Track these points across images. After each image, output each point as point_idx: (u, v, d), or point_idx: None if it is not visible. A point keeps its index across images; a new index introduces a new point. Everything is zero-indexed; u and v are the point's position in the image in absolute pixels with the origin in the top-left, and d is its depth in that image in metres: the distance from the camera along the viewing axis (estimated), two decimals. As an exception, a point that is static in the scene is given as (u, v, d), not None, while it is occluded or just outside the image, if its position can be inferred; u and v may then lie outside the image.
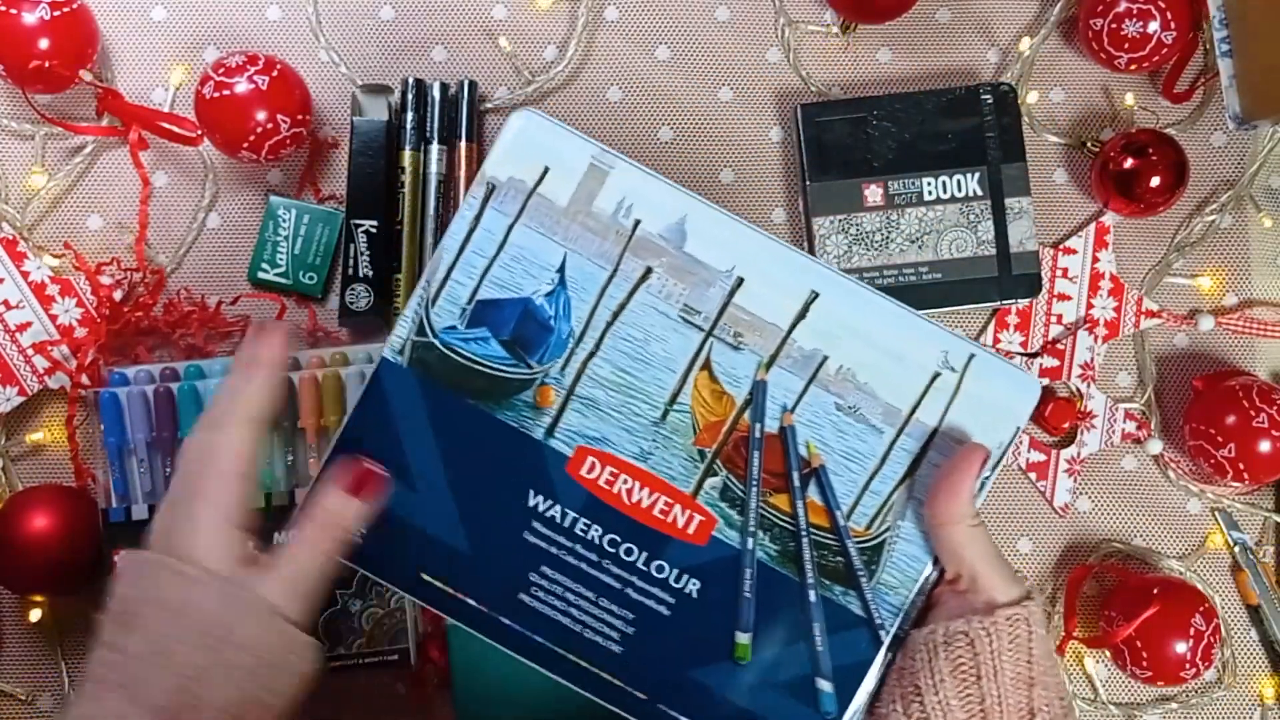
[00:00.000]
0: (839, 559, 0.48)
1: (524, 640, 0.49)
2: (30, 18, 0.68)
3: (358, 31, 0.75)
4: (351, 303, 0.72)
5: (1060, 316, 0.75)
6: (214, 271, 0.74)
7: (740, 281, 0.49)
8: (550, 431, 0.49)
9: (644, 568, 0.49)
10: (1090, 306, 0.75)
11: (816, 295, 0.48)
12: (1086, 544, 0.75)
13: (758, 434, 0.49)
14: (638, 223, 0.49)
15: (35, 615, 0.70)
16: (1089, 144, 0.76)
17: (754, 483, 0.49)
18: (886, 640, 0.48)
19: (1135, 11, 0.71)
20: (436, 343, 0.49)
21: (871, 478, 0.49)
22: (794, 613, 0.48)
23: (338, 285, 0.73)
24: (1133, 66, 0.73)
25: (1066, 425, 0.74)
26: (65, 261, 0.73)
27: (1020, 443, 0.74)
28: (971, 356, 0.49)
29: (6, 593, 0.71)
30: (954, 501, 0.48)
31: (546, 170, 0.49)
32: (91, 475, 0.71)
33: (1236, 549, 0.74)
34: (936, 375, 0.48)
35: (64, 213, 0.74)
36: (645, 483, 0.49)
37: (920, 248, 0.72)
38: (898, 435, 0.48)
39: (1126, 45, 0.72)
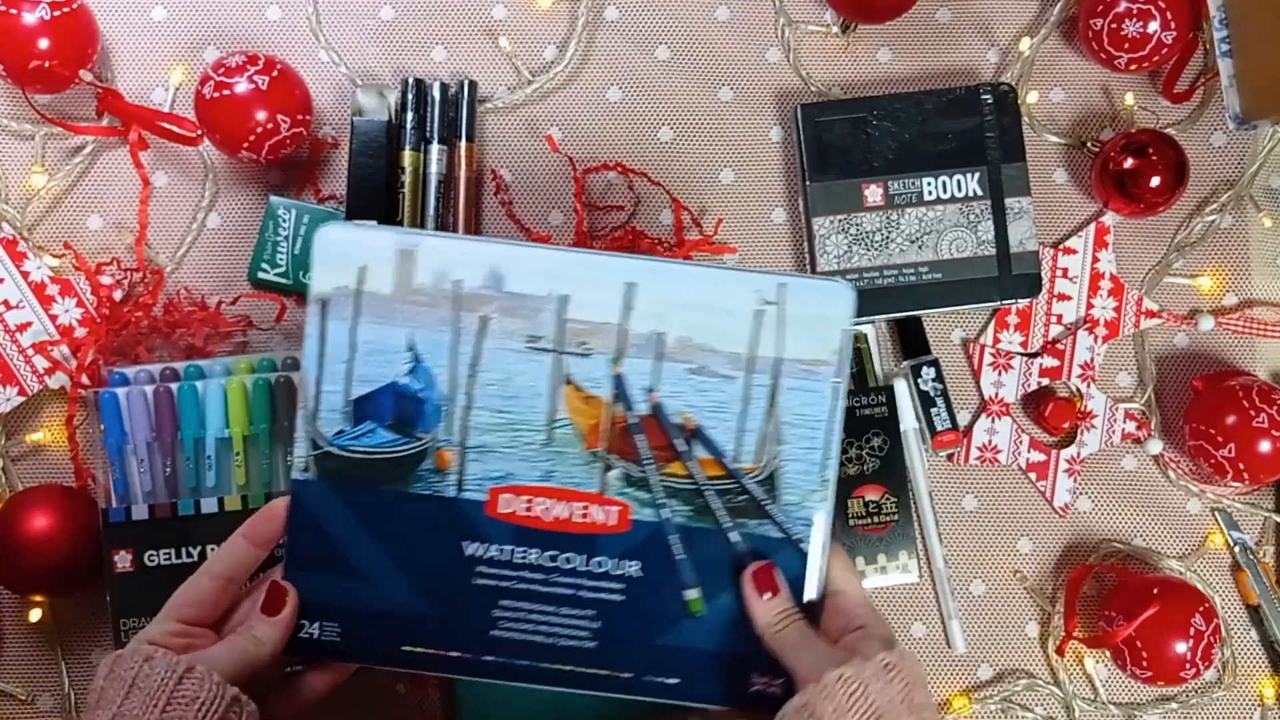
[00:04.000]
0: (743, 497, 0.54)
1: (509, 668, 0.54)
2: (30, 18, 0.68)
3: (358, 31, 0.75)
4: (351, 303, 0.72)
5: (1060, 316, 0.75)
6: (214, 271, 0.74)
7: (565, 299, 0.53)
8: (460, 487, 0.54)
9: (586, 568, 0.54)
10: (1090, 306, 0.75)
11: (633, 285, 0.53)
12: (1086, 544, 0.75)
13: (634, 419, 0.53)
14: (458, 282, 0.53)
15: (35, 615, 0.70)
16: (1089, 144, 0.76)
17: (647, 461, 0.54)
18: (807, 548, 0.53)
19: (1135, 11, 0.71)
20: (333, 449, 0.54)
21: (742, 419, 0.53)
22: (724, 556, 0.54)
23: (338, 285, 0.73)
24: (1133, 66, 0.73)
25: (1066, 425, 0.74)
26: (65, 261, 0.73)
27: (1020, 442, 0.74)
28: (782, 285, 0.53)
29: (6, 593, 0.71)
30: (755, 621, 0.53)
31: (364, 269, 0.53)
32: (91, 475, 0.71)
33: (1236, 549, 0.74)
34: (760, 313, 0.53)
35: (64, 213, 0.74)
36: (557, 497, 0.54)
37: (920, 248, 0.72)
38: (749, 376, 0.53)
39: (1126, 45, 0.72)
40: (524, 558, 0.54)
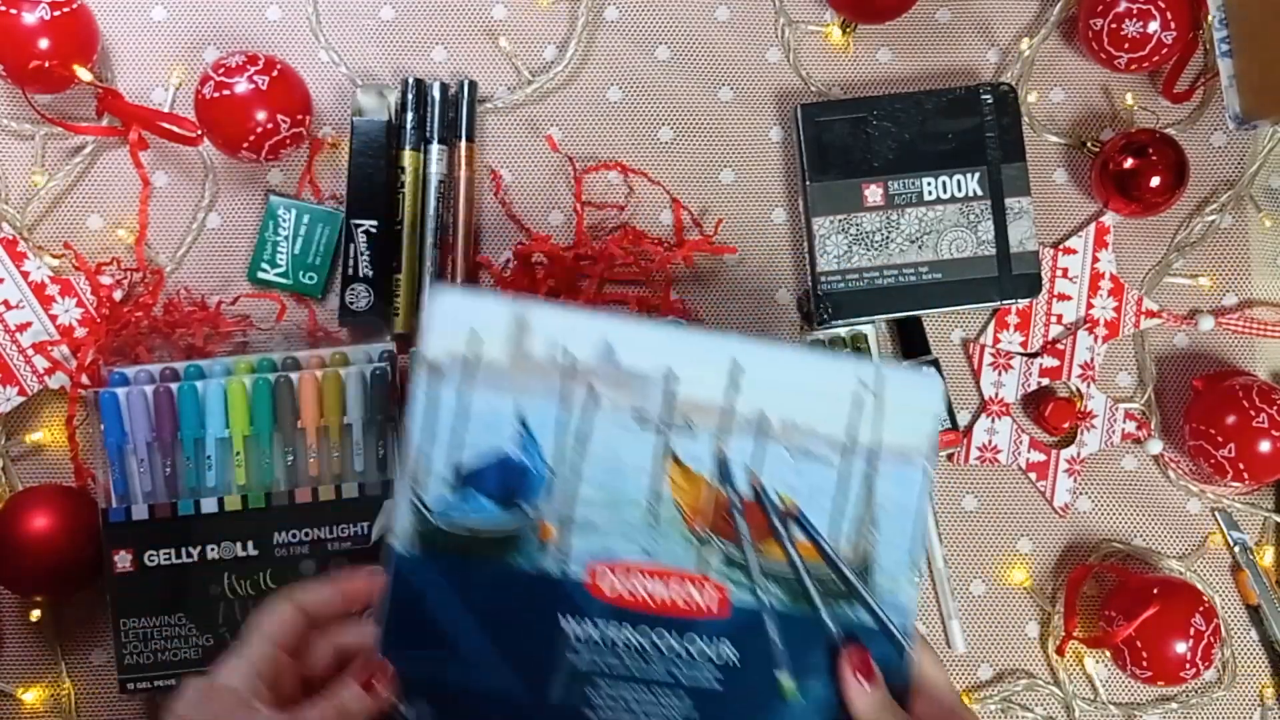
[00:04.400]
0: (839, 583, 0.53)
1: None
2: (30, 18, 0.68)
3: (358, 31, 0.75)
4: (351, 303, 0.72)
5: (1060, 316, 0.75)
6: (214, 271, 0.74)
7: (673, 375, 0.53)
8: (562, 561, 0.53)
9: (683, 653, 0.53)
10: (1090, 306, 0.75)
11: (739, 365, 0.53)
12: (1086, 544, 0.75)
13: (735, 499, 0.53)
14: (571, 354, 0.53)
15: (35, 615, 0.70)
16: (1089, 144, 0.76)
17: (746, 542, 0.53)
18: (898, 634, 0.53)
19: (1135, 11, 0.71)
20: (438, 523, 0.53)
21: (839, 503, 0.53)
22: (819, 643, 0.53)
23: (338, 285, 0.73)
24: (1133, 66, 0.73)
25: (1066, 425, 0.74)
26: (65, 261, 0.73)
27: (1020, 442, 0.74)
28: (880, 373, 0.54)
29: (6, 593, 0.71)
30: (852, 707, 0.53)
31: (478, 336, 0.53)
32: (91, 475, 0.71)
33: (1236, 549, 0.74)
34: (859, 399, 0.53)
35: (64, 213, 0.74)
36: (658, 576, 0.53)
37: (920, 248, 0.72)
38: (847, 461, 0.53)
39: (1126, 45, 0.72)
40: (622, 638, 0.53)
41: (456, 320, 0.53)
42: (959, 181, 0.72)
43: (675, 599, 0.53)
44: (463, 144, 0.73)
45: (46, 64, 0.68)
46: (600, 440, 0.53)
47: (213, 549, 0.67)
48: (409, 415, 0.53)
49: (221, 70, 0.69)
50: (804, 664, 0.53)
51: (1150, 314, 0.75)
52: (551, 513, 0.53)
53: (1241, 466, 0.70)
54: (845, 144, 0.72)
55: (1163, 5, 0.71)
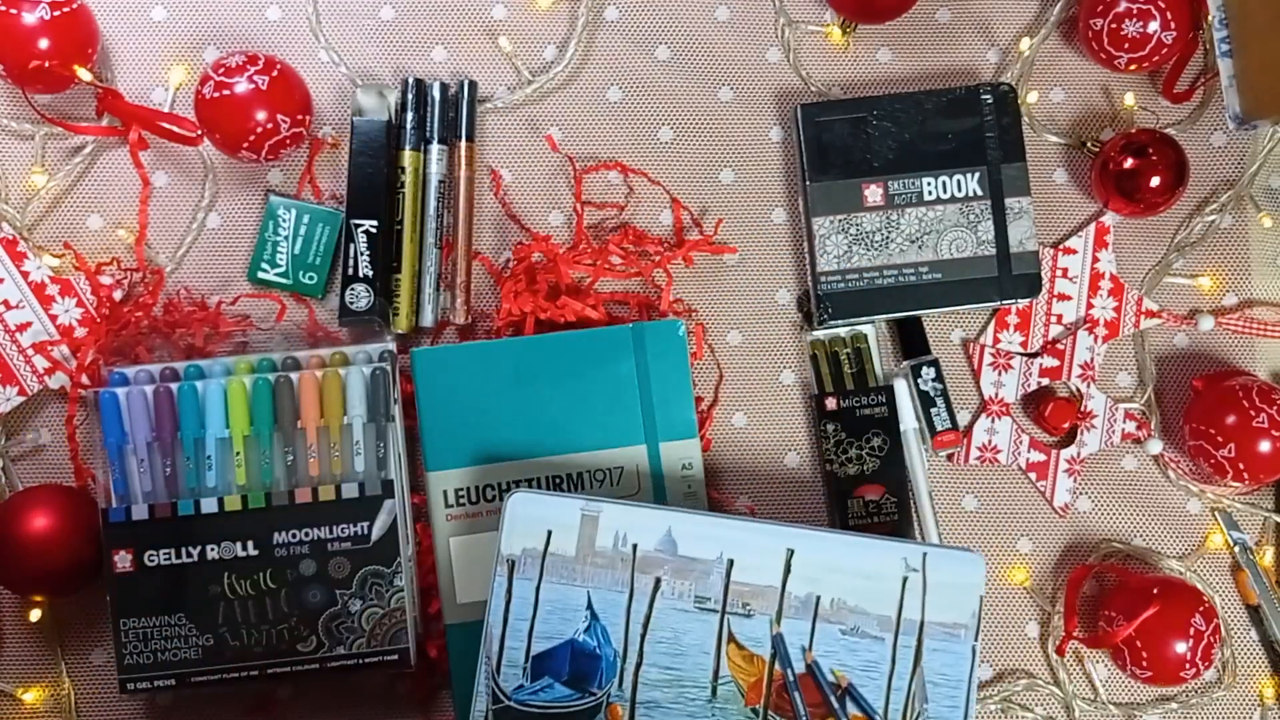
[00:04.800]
0: None
1: None
2: (30, 18, 0.68)
3: (358, 31, 0.75)
4: (351, 302, 0.72)
5: (1060, 316, 0.75)
6: (214, 271, 0.74)
7: (731, 563, 0.58)
8: None
9: None
10: (1090, 306, 0.75)
11: (793, 551, 0.58)
12: (1086, 544, 0.75)
13: (791, 677, 0.57)
14: (635, 546, 0.58)
15: (35, 615, 0.70)
16: (1089, 144, 0.76)
17: (804, 716, 0.57)
18: None
19: (1135, 11, 0.71)
20: (513, 704, 0.57)
21: (890, 677, 0.58)
22: None
23: (338, 285, 0.73)
24: (1133, 66, 0.73)
25: (1066, 425, 0.74)
26: (65, 261, 0.73)
27: (1020, 442, 0.74)
28: (925, 555, 0.59)
29: (6, 593, 0.72)
30: None
31: (550, 533, 0.58)
32: (91, 475, 0.71)
33: (1236, 549, 0.74)
34: (905, 579, 0.58)
35: (64, 213, 0.74)
36: None
37: (920, 248, 0.72)
38: (896, 637, 0.58)
39: (1126, 45, 0.72)
40: None
41: (530, 518, 0.58)
42: (959, 181, 0.72)
43: None
44: (463, 144, 0.73)
45: (46, 64, 0.68)
46: (664, 625, 0.58)
47: (213, 549, 0.67)
48: (489, 607, 0.57)
49: (221, 70, 0.69)
50: None
51: (1150, 314, 0.75)
52: (619, 695, 0.57)
53: (1241, 466, 0.70)
54: (845, 144, 0.72)
55: (1163, 5, 0.71)
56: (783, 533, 0.59)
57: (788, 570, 0.58)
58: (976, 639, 0.58)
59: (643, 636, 0.58)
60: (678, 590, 0.58)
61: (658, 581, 0.58)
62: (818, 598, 0.58)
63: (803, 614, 0.58)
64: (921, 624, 0.58)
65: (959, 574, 0.59)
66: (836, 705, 0.57)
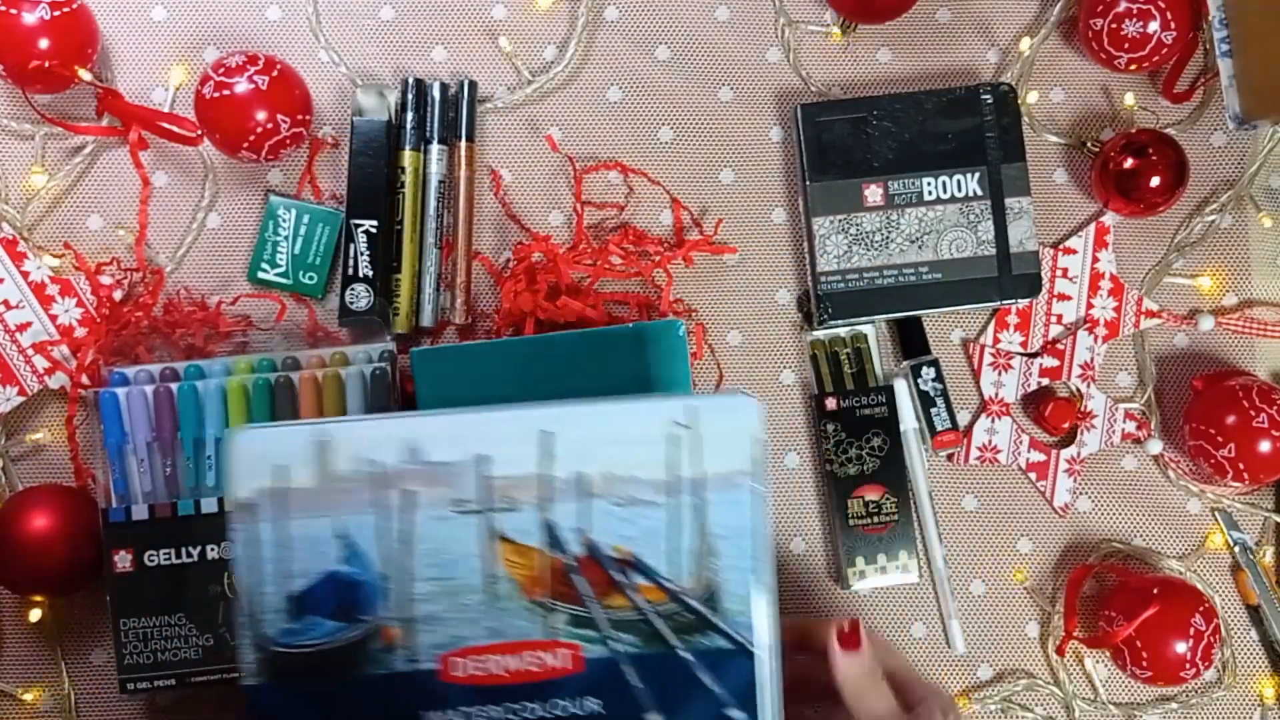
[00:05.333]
0: (688, 615, 0.55)
1: None
2: (30, 18, 0.68)
3: (358, 31, 0.75)
4: (351, 303, 0.72)
5: (1060, 316, 0.75)
6: (214, 271, 0.74)
7: (485, 458, 0.54)
8: (411, 660, 0.54)
9: (548, 714, 0.55)
10: (1090, 306, 0.75)
11: (549, 432, 0.55)
12: (1086, 544, 0.75)
13: (570, 561, 0.55)
14: (377, 463, 0.54)
15: (35, 615, 0.70)
16: (1089, 144, 0.76)
17: (589, 600, 0.55)
18: (757, 650, 0.54)
19: (1135, 11, 0.71)
20: (280, 648, 0.54)
21: (673, 541, 0.55)
22: (679, 675, 0.55)
23: (338, 285, 0.73)
24: (1133, 66, 0.73)
25: (1066, 425, 0.74)
26: (65, 261, 0.73)
27: (1020, 442, 0.74)
28: (692, 407, 0.55)
29: (6, 593, 0.71)
30: (836, 673, 0.56)
31: (283, 467, 0.54)
32: (91, 475, 0.71)
33: (1236, 549, 0.74)
34: (675, 437, 0.55)
35: (64, 213, 0.74)
36: (507, 651, 0.55)
37: (920, 248, 0.72)
38: (674, 499, 0.55)
39: (1126, 45, 0.72)
40: (485, 715, 0.55)
41: (259, 457, 0.54)
42: (959, 181, 0.72)
43: (529, 667, 0.55)
44: (463, 144, 0.73)
45: (46, 64, 0.68)
46: (425, 537, 0.55)
47: (213, 549, 0.67)
48: (233, 558, 0.54)
49: (221, 70, 0.69)
50: (669, 699, 0.55)
51: (1150, 314, 0.75)
52: (391, 617, 0.54)
53: (1241, 466, 0.70)
54: (845, 144, 0.72)
55: (1163, 5, 0.71)
56: (534, 416, 0.55)
57: (547, 453, 0.55)
58: (758, 482, 0.55)
59: (405, 553, 0.55)
60: (433, 499, 0.54)
61: (409, 495, 0.54)
62: (585, 475, 0.55)
63: (572, 495, 0.54)
64: (698, 480, 0.55)
65: (731, 421, 0.55)
66: (623, 580, 0.55)
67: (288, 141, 0.70)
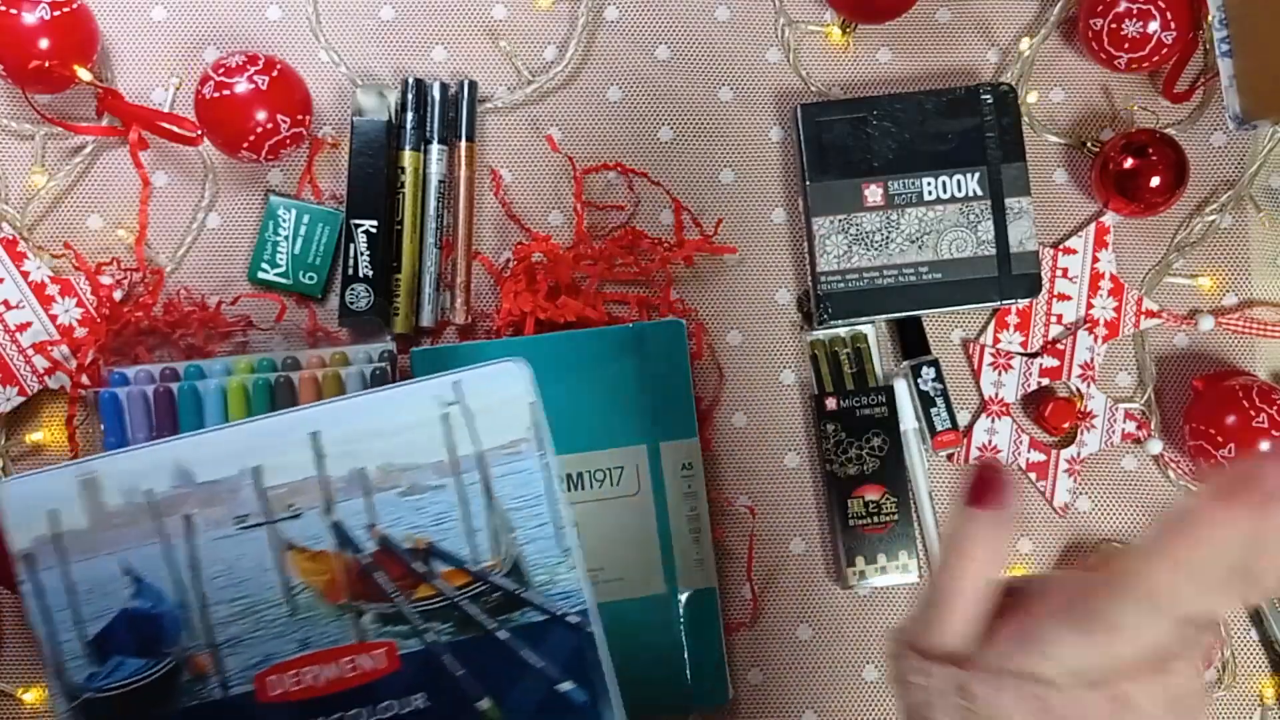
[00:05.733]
0: (497, 594, 0.54)
1: None
2: (30, 18, 0.68)
3: (358, 31, 0.75)
4: (351, 303, 0.72)
5: (1060, 316, 0.75)
6: (214, 271, 0.74)
7: (258, 469, 0.54)
8: (225, 686, 0.53)
9: (375, 718, 0.54)
10: (1090, 306, 0.75)
11: (316, 433, 0.54)
12: (1086, 544, 0.75)
13: (365, 559, 0.54)
14: (149, 492, 0.53)
15: (35, 615, 0.70)
16: (1089, 144, 0.76)
17: (394, 594, 0.54)
18: (576, 619, 0.53)
19: (1135, 11, 0.71)
20: (90, 693, 0.53)
21: (468, 521, 0.54)
22: (500, 656, 0.54)
23: (338, 285, 0.73)
24: (1133, 66, 0.73)
25: (1066, 425, 0.74)
26: (65, 261, 0.73)
27: (1020, 442, 0.74)
28: (456, 383, 0.54)
29: (6, 593, 0.71)
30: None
31: (54, 512, 0.53)
32: (91, 475, 0.71)
33: (1236, 549, 0.74)
34: (445, 415, 0.54)
35: (64, 213, 0.74)
36: (320, 661, 0.54)
37: (920, 248, 0.72)
38: (457, 478, 0.54)
39: (1126, 45, 0.72)
40: None
41: (29, 506, 0.53)
42: (959, 181, 0.72)
43: (345, 674, 0.53)
44: (463, 144, 0.73)
45: (46, 64, 0.68)
46: (213, 559, 0.54)
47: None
48: (26, 611, 0.53)
49: (221, 70, 0.69)
50: (496, 681, 0.54)
51: (1150, 314, 0.75)
52: (196, 645, 0.53)
53: (1241, 466, 0.69)
54: (845, 144, 0.72)
55: (1163, 5, 0.71)
56: (299, 419, 0.55)
57: (320, 454, 0.54)
58: (542, 449, 0.54)
59: (195, 579, 0.54)
60: (213, 519, 0.54)
61: (188, 519, 0.54)
62: (362, 469, 0.54)
63: (353, 492, 0.54)
64: (479, 455, 0.54)
65: (501, 390, 0.54)
66: (424, 569, 0.54)
67: (288, 141, 0.70)
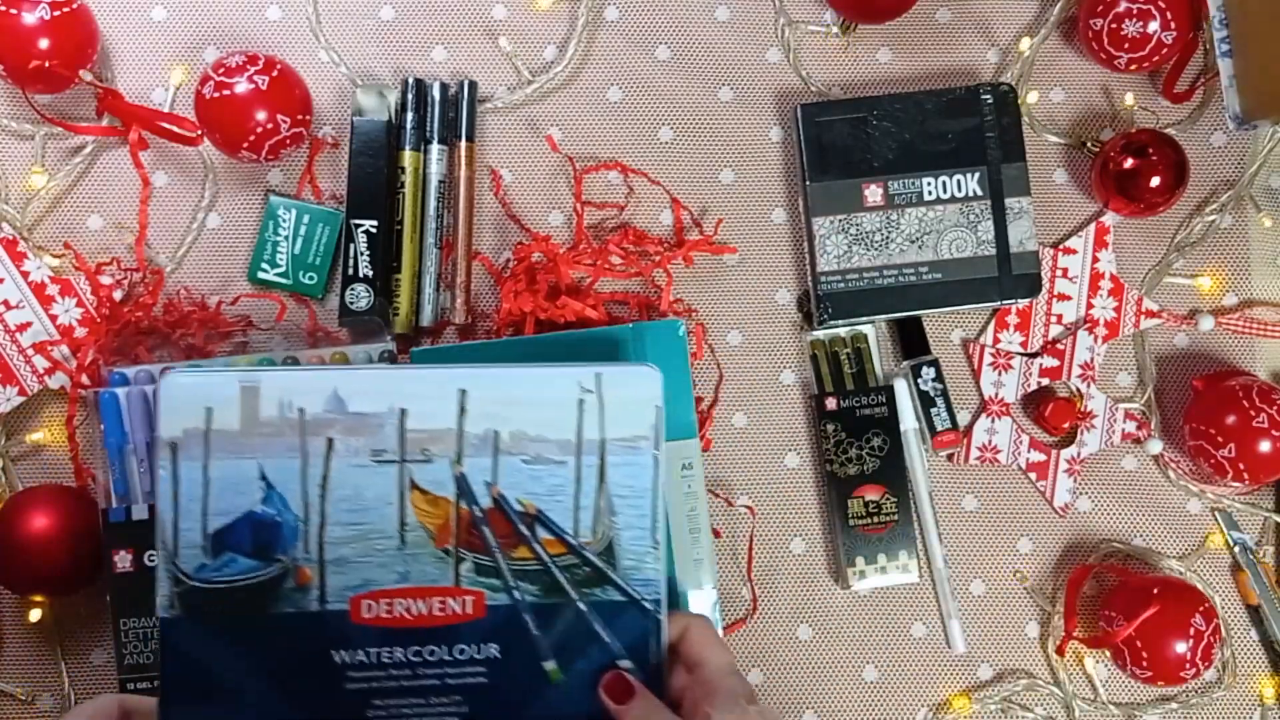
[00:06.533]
0: (587, 568, 0.58)
1: None
2: (30, 18, 0.68)
3: (358, 31, 0.75)
4: (351, 303, 0.72)
5: (1060, 316, 0.75)
6: (214, 271, 0.74)
7: (404, 412, 0.57)
8: (322, 600, 0.57)
9: (449, 657, 0.57)
10: (1090, 306, 0.75)
11: (465, 391, 0.58)
12: (1086, 544, 0.75)
13: (478, 513, 0.57)
14: (302, 410, 0.57)
15: (35, 615, 0.70)
16: (1089, 144, 0.76)
17: (495, 549, 0.57)
18: (650, 606, 0.57)
19: (1135, 11, 0.71)
20: (196, 583, 0.56)
21: (577, 498, 0.58)
22: (576, 625, 0.58)
23: (338, 285, 0.73)
24: (1133, 66, 0.73)
25: (1066, 425, 0.74)
26: (65, 261, 0.73)
27: (1020, 442, 0.74)
28: (598, 375, 0.58)
29: (6, 593, 0.71)
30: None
31: (210, 410, 0.56)
32: (91, 475, 0.71)
33: (1236, 549, 0.74)
34: (582, 401, 0.58)
35: (64, 213, 0.74)
36: (414, 596, 0.57)
37: (920, 248, 0.72)
38: (579, 459, 0.58)
39: (1126, 45, 0.72)
40: (390, 657, 0.57)
41: (187, 399, 0.56)
42: (959, 181, 0.72)
43: (434, 612, 0.57)
44: (463, 144, 0.73)
45: (46, 64, 0.68)
46: (342, 483, 0.57)
47: (213, 549, 0.67)
48: (157, 495, 0.56)
49: (221, 70, 0.69)
50: (565, 647, 0.57)
51: (1150, 314, 0.75)
52: (306, 558, 0.57)
53: (1241, 466, 0.70)
54: (845, 144, 0.72)
55: (1163, 5, 0.71)
56: (453, 375, 0.58)
57: (462, 411, 0.58)
58: (658, 448, 0.58)
59: (322, 498, 0.57)
60: (352, 447, 0.57)
61: (330, 442, 0.57)
62: (496, 432, 0.58)
63: (483, 451, 0.58)
64: (602, 442, 0.58)
65: (635, 389, 0.58)
66: (527, 532, 0.58)
67: (288, 141, 0.70)
